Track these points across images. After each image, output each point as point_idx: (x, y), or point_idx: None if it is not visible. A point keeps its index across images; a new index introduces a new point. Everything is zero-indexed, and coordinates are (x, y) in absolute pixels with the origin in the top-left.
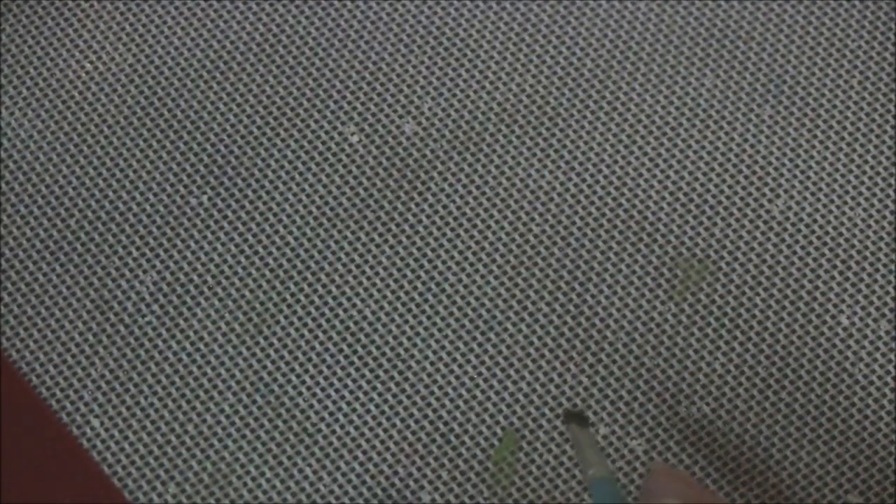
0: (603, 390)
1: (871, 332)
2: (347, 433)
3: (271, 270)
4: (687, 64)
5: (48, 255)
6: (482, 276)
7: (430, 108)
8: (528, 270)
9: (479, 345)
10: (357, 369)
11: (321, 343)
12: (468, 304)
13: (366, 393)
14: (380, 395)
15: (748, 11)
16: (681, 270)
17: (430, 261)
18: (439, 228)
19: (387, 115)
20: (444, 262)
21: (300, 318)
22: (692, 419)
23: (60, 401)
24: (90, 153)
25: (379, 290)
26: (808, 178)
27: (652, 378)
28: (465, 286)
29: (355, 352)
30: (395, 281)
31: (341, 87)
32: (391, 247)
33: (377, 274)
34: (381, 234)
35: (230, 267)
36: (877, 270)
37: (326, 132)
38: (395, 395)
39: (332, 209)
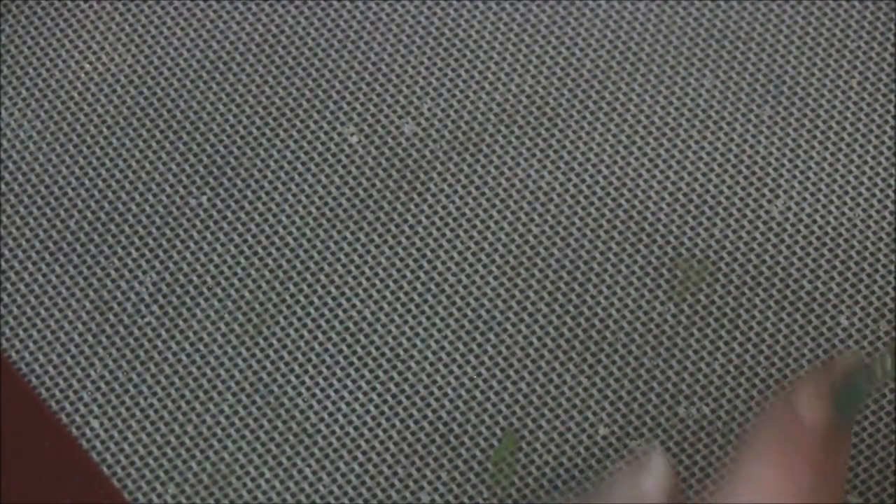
0: (603, 390)
1: (870, 332)
2: (347, 433)
3: (271, 270)
4: (687, 64)
5: (48, 255)
6: (482, 276)
7: (429, 109)
8: (527, 270)
9: (479, 345)
10: (357, 369)
11: (321, 343)
12: (468, 304)
13: (366, 393)
14: (380, 395)
15: (748, 11)
16: (681, 270)
17: (429, 261)
18: (439, 228)
19: (386, 116)
20: (443, 262)
21: (300, 318)
22: (692, 419)
23: (60, 401)
24: (90, 153)
25: (379, 291)
26: (808, 178)
27: (652, 378)
28: (465, 286)
29: (355, 352)
30: (395, 281)
31: (341, 87)
32: (391, 247)
33: (377, 274)
34: (380, 235)
35: (230, 267)
36: (877, 270)
37: (326, 132)
38: (394, 396)
39: (331, 209)
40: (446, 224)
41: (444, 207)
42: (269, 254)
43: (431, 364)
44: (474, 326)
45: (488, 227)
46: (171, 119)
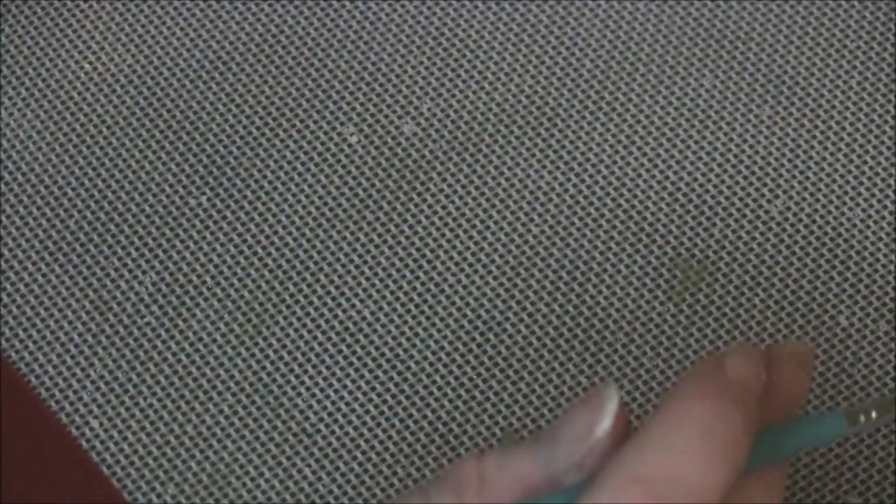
0: None
1: (870, 332)
2: (347, 433)
3: (271, 270)
4: (687, 64)
5: (48, 255)
6: (482, 277)
7: (429, 109)
8: (527, 270)
9: (479, 345)
10: (357, 369)
11: (321, 343)
12: (468, 304)
13: (365, 393)
14: (380, 395)
15: (748, 11)
16: (680, 270)
17: (429, 261)
18: (439, 228)
19: (386, 116)
20: (443, 263)
21: (300, 318)
22: None
23: (60, 401)
24: (90, 153)
25: (379, 291)
26: (808, 178)
27: (652, 378)
28: (465, 286)
29: (355, 352)
30: (395, 281)
31: (341, 87)
32: (391, 247)
33: (377, 274)
34: (380, 235)
35: (230, 267)
36: (876, 270)
37: (326, 132)
38: (394, 396)
39: (331, 209)
40: (446, 224)
41: (444, 207)
42: (269, 254)
43: (431, 364)
44: (474, 326)
45: (488, 227)
46: (171, 119)
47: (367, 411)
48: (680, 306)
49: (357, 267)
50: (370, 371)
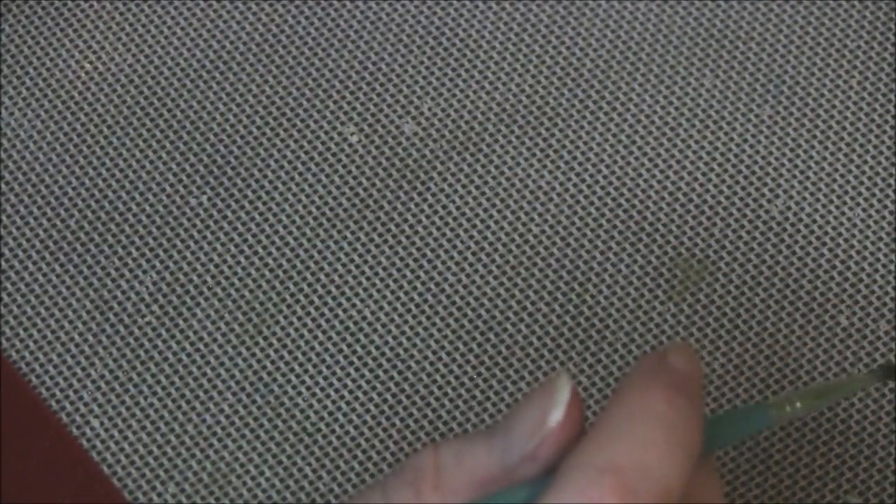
0: (603, 390)
1: (870, 332)
2: (347, 433)
3: (271, 270)
4: (687, 64)
5: (48, 255)
6: (482, 276)
7: (430, 108)
8: (527, 270)
9: (479, 345)
10: (357, 369)
11: (321, 343)
12: (468, 304)
13: (366, 393)
14: (380, 394)
15: (748, 11)
16: (681, 270)
17: (429, 261)
18: (439, 228)
19: (387, 116)
20: (443, 262)
21: (300, 318)
22: None
23: (60, 401)
24: (90, 153)
25: (379, 290)
26: (808, 178)
27: None
28: (465, 286)
29: (355, 352)
30: (395, 281)
31: (341, 87)
32: (391, 247)
33: (377, 274)
34: (381, 234)
35: (230, 267)
36: (876, 270)
37: (326, 132)
38: (394, 395)
39: (332, 209)
40: (446, 224)
41: (444, 207)
42: (270, 254)
43: (431, 364)
44: (474, 326)
45: (488, 227)
46: (171, 119)
47: (368, 410)
48: (680, 306)
49: (357, 267)
50: (370, 371)
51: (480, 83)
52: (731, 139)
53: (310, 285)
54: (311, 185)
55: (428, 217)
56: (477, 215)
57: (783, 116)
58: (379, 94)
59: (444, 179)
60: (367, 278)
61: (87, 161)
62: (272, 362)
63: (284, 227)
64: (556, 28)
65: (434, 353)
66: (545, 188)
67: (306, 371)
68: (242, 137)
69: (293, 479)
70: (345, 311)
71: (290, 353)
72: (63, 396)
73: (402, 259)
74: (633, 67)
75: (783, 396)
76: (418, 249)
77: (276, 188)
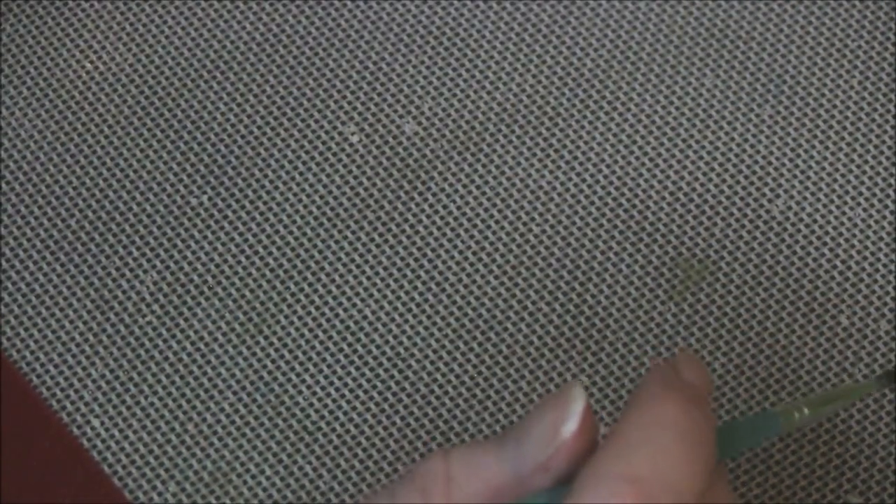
0: (603, 390)
1: (870, 332)
2: (347, 432)
3: (271, 270)
4: (687, 64)
5: (48, 255)
6: (482, 276)
7: (430, 108)
8: (528, 270)
9: (479, 344)
10: (357, 369)
11: (321, 343)
12: (468, 303)
13: (366, 392)
14: (380, 394)
15: (748, 11)
16: (681, 270)
17: (430, 260)
18: (439, 228)
19: (387, 115)
20: (444, 262)
21: (300, 318)
22: None
23: (60, 401)
24: (90, 153)
25: (379, 290)
26: (808, 178)
27: None
28: (466, 286)
29: (355, 351)
30: (396, 281)
31: (341, 87)
32: (391, 246)
33: (377, 274)
34: (381, 234)
35: (230, 267)
36: (877, 270)
37: (326, 132)
38: (395, 395)
39: (332, 209)
40: (447, 223)
41: (444, 207)
42: (270, 253)
43: (432, 363)
44: (474, 326)
45: (488, 227)
46: (171, 119)
47: (368, 409)
48: (680, 306)
49: (357, 266)
50: (370, 371)
51: (481, 83)
52: (731, 139)
53: (310, 285)
54: (311, 185)
55: (428, 217)
56: (477, 215)
57: (783, 116)
58: (379, 94)
59: (445, 179)
60: (368, 278)
61: (88, 161)
62: (272, 362)
63: (284, 226)
64: (557, 28)
65: (434, 352)
66: (545, 188)
67: (306, 371)
68: (243, 137)
69: (293, 479)
70: (345, 310)
71: (290, 352)
72: (63, 396)
73: (402, 259)
74: (634, 67)
75: (790, 404)
76: (419, 249)
77: (276, 188)
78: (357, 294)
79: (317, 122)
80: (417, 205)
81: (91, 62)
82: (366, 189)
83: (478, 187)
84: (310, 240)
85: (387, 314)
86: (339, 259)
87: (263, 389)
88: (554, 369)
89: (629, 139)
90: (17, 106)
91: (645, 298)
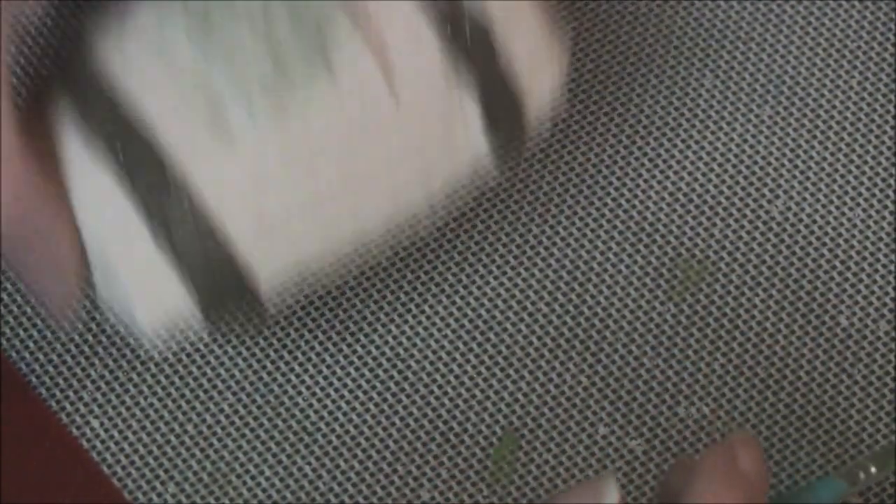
0: (602, 390)
1: (870, 332)
2: (347, 431)
3: None
4: (687, 64)
5: None
6: (482, 276)
7: None
8: (528, 270)
9: (479, 344)
10: (357, 369)
11: (321, 343)
12: (468, 304)
13: (366, 392)
14: (380, 394)
15: (748, 11)
16: (681, 270)
17: (430, 260)
18: (440, 227)
19: None
20: (444, 262)
21: (300, 318)
22: (692, 419)
23: (60, 401)
24: None
25: (379, 290)
26: (808, 178)
27: (652, 378)
28: (465, 286)
29: (355, 351)
30: (395, 280)
31: None
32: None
33: (377, 273)
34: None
35: None
36: (877, 271)
37: None
38: (394, 395)
39: None
40: (447, 223)
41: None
42: None
43: (432, 363)
44: (474, 326)
45: (489, 227)
46: None
47: (368, 410)
48: (680, 306)
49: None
50: (370, 371)
51: None
52: (731, 139)
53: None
54: None
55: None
56: (477, 215)
57: (783, 116)
58: None
59: None
60: (368, 278)
61: None
62: (272, 362)
63: None
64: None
65: (434, 353)
66: (545, 188)
67: (306, 371)
68: None
69: (293, 479)
70: (345, 311)
71: (290, 353)
72: (63, 396)
73: (402, 258)
74: (633, 67)
75: (856, 465)
76: (419, 248)
77: None
78: (357, 294)
79: None
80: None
81: None
82: None
83: (478, 186)
84: None
85: (387, 314)
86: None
87: (263, 390)
88: (554, 370)
89: (629, 139)
90: None
91: (645, 298)
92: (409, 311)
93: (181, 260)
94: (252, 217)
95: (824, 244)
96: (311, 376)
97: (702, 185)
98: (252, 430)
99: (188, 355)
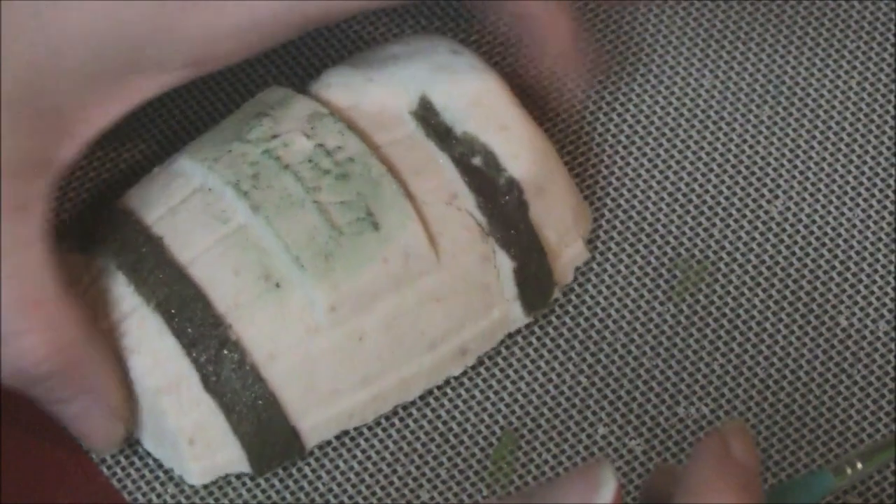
0: (602, 390)
1: (870, 332)
2: (347, 431)
3: None
4: (687, 64)
5: None
6: None
7: None
8: None
9: None
10: None
11: None
12: None
13: None
14: None
15: (748, 11)
16: (681, 270)
17: None
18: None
19: None
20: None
21: None
22: (691, 419)
23: None
24: (90, 152)
25: None
26: (808, 178)
27: (651, 378)
28: None
29: None
30: None
31: None
32: None
33: None
34: None
35: None
36: (876, 271)
37: None
38: None
39: None
40: None
41: None
42: None
43: None
44: None
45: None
46: (171, 118)
47: None
48: (680, 306)
49: None
50: None
51: None
52: (731, 139)
53: None
54: None
55: None
56: None
57: (783, 116)
58: None
59: None
60: None
61: (88, 160)
62: None
63: None
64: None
65: None
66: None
67: None
68: None
69: (293, 479)
70: None
71: None
72: None
73: None
74: (633, 67)
75: (843, 459)
76: None
77: None
78: None
79: None
80: None
81: None
82: None
83: None
84: None
85: None
86: None
87: None
88: (553, 370)
89: (628, 139)
90: None
91: (645, 299)
92: None
93: (230, 414)
94: (303, 388)
95: (824, 244)
96: None
97: (702, 186)
98: None
99: None
